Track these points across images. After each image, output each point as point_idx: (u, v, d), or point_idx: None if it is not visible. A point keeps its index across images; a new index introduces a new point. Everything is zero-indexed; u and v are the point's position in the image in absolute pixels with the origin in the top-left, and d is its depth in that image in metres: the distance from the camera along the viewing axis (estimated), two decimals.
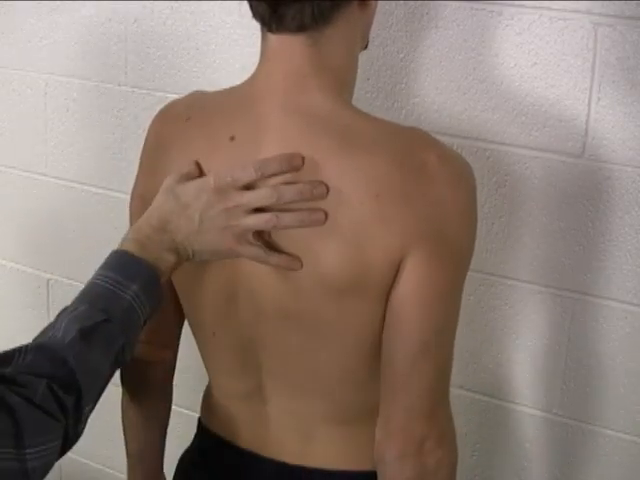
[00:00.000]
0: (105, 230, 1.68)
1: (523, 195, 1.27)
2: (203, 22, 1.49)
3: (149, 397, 1.14)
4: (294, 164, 0.87)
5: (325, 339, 0.93)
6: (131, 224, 1.00)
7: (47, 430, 0.78)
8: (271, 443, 1.02)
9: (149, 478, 1.17)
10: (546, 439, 1.35)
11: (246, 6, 0.93)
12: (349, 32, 0.92)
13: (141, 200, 1.00)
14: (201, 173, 0.92)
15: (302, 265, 0.89)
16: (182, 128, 0.97)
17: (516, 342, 1.33)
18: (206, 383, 1.14)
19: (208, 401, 1.12)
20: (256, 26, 0.93)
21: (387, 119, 0.94)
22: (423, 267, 0.86)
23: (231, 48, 1.47)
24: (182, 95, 1.05)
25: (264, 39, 0.93)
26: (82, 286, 0.88)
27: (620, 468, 1.30)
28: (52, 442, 0.79)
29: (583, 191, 1.23)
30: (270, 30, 0.91)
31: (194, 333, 1.07)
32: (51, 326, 0.85)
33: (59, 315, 0.86)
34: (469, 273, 0.93)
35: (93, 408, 0.85)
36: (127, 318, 0.86)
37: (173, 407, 1.18)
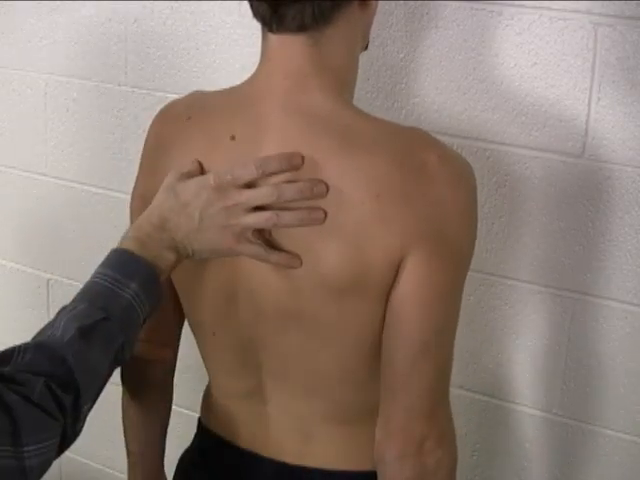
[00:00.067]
0: (105, 230, 1.68)
1: (523, 195, 1.27)
2: (203, 22, 1.49)
3: (149, 396, 1.14)
4: (294, 163, 0.87)
5: (325, 339, 0.93)
6: (131, 224, 1.00)
7: (45, 428, 0.78)
8: (271, 443, 1.03)
9: (149, 477, 1.17)
10: (546, 439, 1.35)
11: (246, 6, 0.93)
12: (350, 32, 0.93)
13: (141, 200, 1.00)
14: (202, 172, 0.92)
15: (302, 263, 0.89)
16: (182, 128, 0.97)
17: (516, 342, 1.33)
18: (206, 383, 1.14)
19: (208, 401, 1.12)
20: (256, 26, 0.94)
21: (387, 119, 0.94)
22: (423, 267, 0.86)
23: (231, 48, 1.47)
24: (182, 95, 1.05)
25: (264, 39, 0.93)
26: (82, 286, 0.88)
27: (620, 468, 1.30)
28: (50, 440, 0.79)
29: (583, 191, 1.23)
30: (271, 30, 0.91)
31: (194, 333, 1.07)
32: (50, 325, 0.85)
33: (58, 314, 0.86)
34: (469, 273, 0.93)
35: (92, 407, 0.85)
36: (126, 316, 0.86)
37: (173, 407, 1.18)
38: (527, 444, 1.36)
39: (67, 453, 0.85)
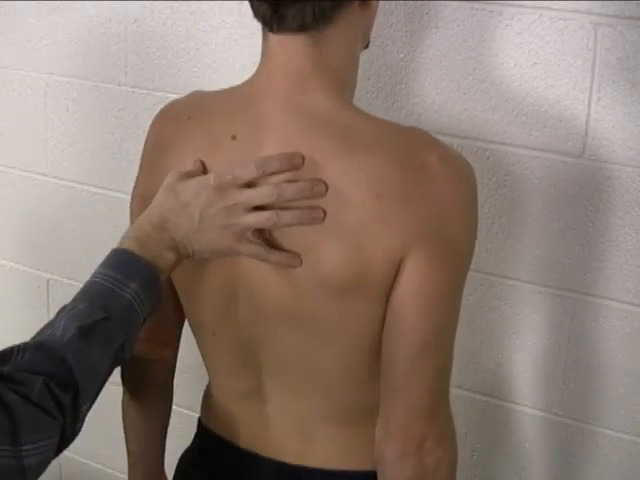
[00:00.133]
0: (105, 230, 1.68)
1: (523, 195, 1.27)
2: (203, 22, 1.49)
3: (149, 396, 1.14)
4: (294, 163, 0.87)
5: (325, 339, 0.93)
6: (131, 224, 1.00)
7: (44, 427, 0.78)
8: (271, 443, 1.03)
9: (150, 477, 1.17)
10: (546, 439, 1.35)
11: (246, 6, 0.93)
12: (350, 32, 0.93)
13: (142, 200, 1.00)
14: (205, 171, 0.92)
15: (302, 262, 0.89)
16: (183, 127, 0.97)
17: (516, 342, 1.33)
18: (206, 383, 1.14)
19: (208, 401, 1.12)
20: (256, 26, 0.94)
21: (387, 119, 0.94)
22: (423, 267, 0.86)
23: (231, 48, 1.48)
24: (182, 95, 1.05)
25: (265, 39, 0.93)
26: (82, 286, 0.88)
27: (620, 468, 1.30)
28: (49, 439, 0.79)
29: (583, 191, 1.23)
30: (271, 30, 0.91)
31: (194, 332, 1.07)
32: (50, 324, 0.85)
33: (58, 313, 0.86)
34: (469, 273, 0.93)
35: (91, 406, 0.85)
36: (126, 316, 0.86)
37: (173, 407, 1.18)
38: (527, 444, 1.36)
39: (67, 453, 0.85)
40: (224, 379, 1.07)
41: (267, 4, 0.88)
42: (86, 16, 1.61)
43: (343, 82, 0.93)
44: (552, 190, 1.25)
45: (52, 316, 0.86)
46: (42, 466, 0.79)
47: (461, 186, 0.89)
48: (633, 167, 1.19)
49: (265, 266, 0.91)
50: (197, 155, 0.93)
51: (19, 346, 0.81)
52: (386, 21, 1.30)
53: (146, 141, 1.04)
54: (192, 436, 1.15)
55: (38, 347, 0.82)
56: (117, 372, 0.92)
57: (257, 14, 0.91)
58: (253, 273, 0.93)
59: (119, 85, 1.62)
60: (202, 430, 1.13)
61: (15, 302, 1.91)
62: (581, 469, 1.33)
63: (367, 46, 1.01)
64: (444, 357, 0.92)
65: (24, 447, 0.76)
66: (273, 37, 0.91)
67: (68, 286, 1.78)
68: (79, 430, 0.84)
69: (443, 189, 0.87)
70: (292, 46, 0.90)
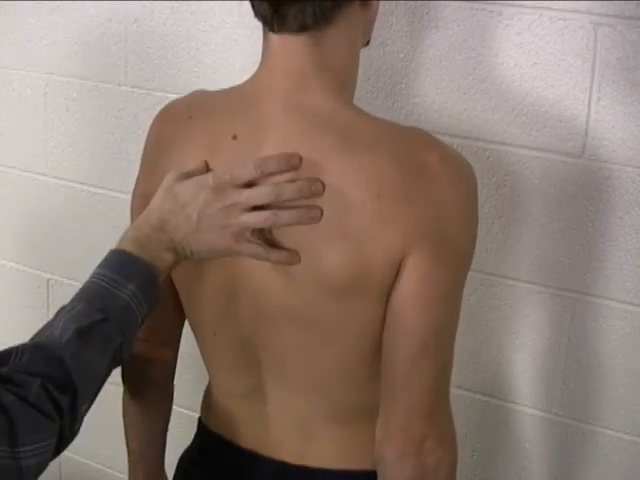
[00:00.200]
0: (105, 230, 1.68)
1: (523, 195, 1.27)
2: (203, 22, 1.49)
3: (149, 395, 1.14)
4: (292, 163, 0.87)
5: (325, 338, 0.94)
6: (131, 224, 1.00)
7: (41, 429, 0.78)
8: (271, 442, 1.03)
9: (150, 476, 1.17)
10: (546, 439, 1.35)
11: (246, 6, 0.93)
12: (350, 32, 0.93)
13: (142, 199, 0.99)
14: (207, 171, 0.92)
15: (300, 259, 0.89)
16: (183, 127, 0.97)
17: (516, 342, 1.33)
18: (206, 383, 1.14)
19: (208, 400, 1.12)
20: (256, 26, 0.94)
21: (387, 119, 0.94)
22: (424, 267, 0.86)
23: (231, 48, 1.48)
24: (182, 95, 1.05)
25: (266, 39, 0.93)
26: (80, 286, 0.88)
27: (620, 468, 1.30)
28: (47, 441, 0.79)
29: (583, 191, 1.23)
30: (272, 30, 0.91)
31: (194, 332, 1.07)
32: (49, 325, 0.85)
33: (57, 314, 0.86)
34: (469, 273, 0.93)
35: (89, 407, 0.85)
36: (124, 317, 0.86)
37: (173, 407, 1.18)
38: (527, 444, 1.36)
39: (67, 453, 0.85)
40: (224, 378, 1.07)
41: (268, 4, 0.88)
42: (86, 16, 1.61)
43: (343, 82, 0.94)
44: (552, 190, 1.25)
45: (52, 316, 0.86)
46: (40, 467, 0.79)
47: (461, 186, 0.89)
48: (633, 167, 1.19)
49: (265, 266, 0.91)
50: (197, 155, 0.93)
51: (17, 347, 0.82)
52: (386, 21, 1.30)
53: (146, 141, 1.04)
54: (192, 436, 1.15)
55: (36, 348, 0.82)
56: (116, 372, 0.92)
57: (258, 14, 0.91)
58: (253, 273, 0.93)
59: (119, 85, 1.62)
60: (202, 430, 1.13)
61: (15, 302, 1.91)
62: (581, 469, 1.33)
63: (367, 44, 1.01)
64: (444, 357, 0.92)
65: (22, 448, 0.76)
66: (274, 37, 0.91)
67: (68, 286, 1.78)
68: (77, 431, 0.84)
69: (443, 189, 0.87)
70: (293, 46, 0.90)
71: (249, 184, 0.88)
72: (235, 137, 0.92)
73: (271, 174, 0.88)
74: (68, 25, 1.64)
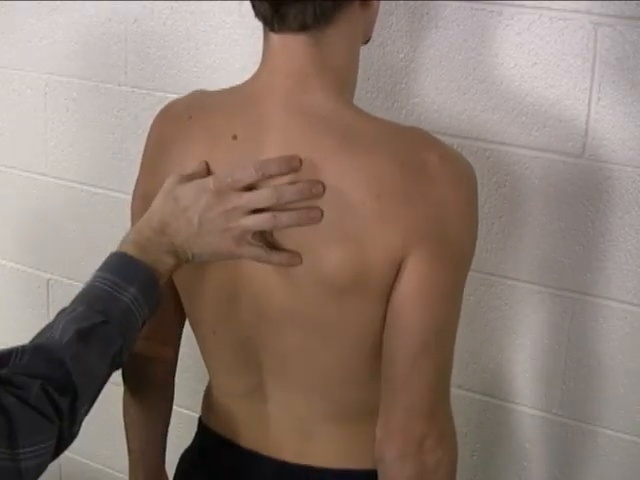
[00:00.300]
0: (105, 230, 1.68)
1: (523, 195, 1.27)
2: (203, 22, 1.49)
3: (150, 394, 1.14)
4: (293, 165, 0.87)
5: (326, 338, 0.94)
6: (132, 224, 1.00)
7: (41, 430, 0.78)
8: (271, 442, 1.03)
9: (150, 475, 1.17)
10: (546, 439, 1.35)
11: (246, 6, 0.93)
12: (351, 32, 0.93)
13: (142, 200, 1.00)
14: (208, 173, 0.92)
15: (302, 261, 0.89)
16: (184, 127, 0.97)
17: (516, 342, 1.33)
18: (206, 383, 1.14)
19: (208, 400, 1.12)
20: (256, 26, 0.94)
21: (387, 119, 0.94)
22: (424, 267, 0.87)
23: (231, 48, 1.48)
24: (182, 95, 1.05)
25: (266, 38, 0.93)
26: (82, 286, 0.88)
27: (620, 468, 1.30)
28: (46, 442, 0.79)
29: (583, 191, 1.23)
30: (272, 30, 0.91)
31: (194, 332, 1.07)
32: (49, 327, 0.85)
33: (57, 316, 0.86)
34: (469, 273, 0.93)
35: (89, 409, 0.85)
36: (125, 320, 0.86)
37: (173, 407, 1.18)
38: (527, 444, 1.36)
39: (67, 453, 0.85)
40: (224, 378, 1.07)
41: (268, 3, 0.88)
42: (86, 16, 1.61)
43: (344, 82, 0.94)
44: (552, 190, 1.25)
45: (52, 316, 0.86)
46: (40, 469, 0.79)
47: (462, 186, 0.89)
48: (633, 167, 1.19)
49: (266, 267, 0.91)
50: (198, 155, 0.93)
51: (18, 348, 0.81)
52: (386, 21, 1.30)
53: (147, 141, 1.04)
54: (192, 436, 1.15)
55: (36, 350, 0.82)
56: (117, 372, 0.92)
57: (258, 14, 0.91)
58: (254, 273, 0.93)
59: (119, 85, 1.62)
60: (202, 429, 1.13)
61: (15, 302, 1.91)
62: (581, 469, 1.33)
63: (367, 42, 1.00)
64: (444, 357, 0.92)
65: (21, 450, 0.76)
66: (274, 37, 0.91)
67: (68, 286, 1.78)
68: (77, 433, 0.84)
69: (443, 189, 0.87)
70: (293, 46, 0.90)
71: (249, 187, 0.88)
72: (235, 137, 0.92)
73: (272, 176, 0.88)
74: (68, 25, 1.64)
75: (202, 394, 1.15)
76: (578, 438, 1.32)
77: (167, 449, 1.18)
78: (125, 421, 1.15)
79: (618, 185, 1.20)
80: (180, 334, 1.14)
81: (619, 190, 1.21)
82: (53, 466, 0.82)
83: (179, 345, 1.15)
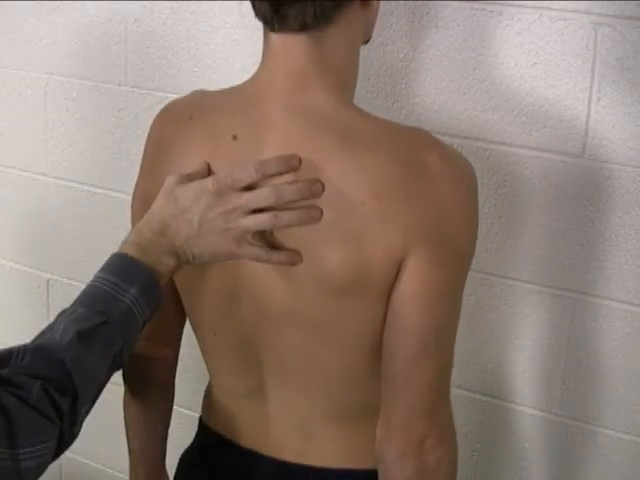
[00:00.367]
0: (105, 230, 1.68)
1: (523, 195, 1.27)
2: (203, 22, 1.49)
3: (150, 394, 1.14)
4: (292, 165, 0.87)
5: (326, 338, 0.94)
6: (133, 225, 1.00)
7: (41, 431, 0.78)
8: (272, 442, 1.03)
9: (151, 475, 1.17)
10: (546, 439, 1.35)
11: (246, 6, 0.93)
12: (351, 32, 0.93)
13: (143, 200, 1.00)
14: (210, 173, 0.92)
15: (302, 259, 0.89)
16: (184, 127, 0.97)
17: (516, 342, 1.33)
18: (206, 384, 1.14)
19: (209, 400, 1.12)
20: (256, 26, 0.94)
21: (388, 119, 0.94)
22: (424, 267, 0.87)
23: (231, 48, 1.48)
24: (182, 95, 1.05)
25: (266, 38, 0.93)
26: (82, 286, 0.89)
27: (620, 468, 1.30)
28: (46, 443, 0.79)
29: (583, 191, 1.23)
30: (272, 29, 0.91)
31: (195, 332, 1.07)
32: (50, 327, 0.85)
33: (58, 317, 0.86)
34: (469, 273, 0.93)
35: (90, 410, 0.85)
36: (126, 321, 0.86)
37: (173, 407, 1.18)
38: (527, 444, 1.36)
39: (67, 453, 0.85)
40: (225, 378, 1.07)
41: (268, 3, 0.88)
42: (86, 16, 1.61)
43: (344, 82, 0.94)
44: (552, 190, 1.25)
45: (52, 316, 0.86)
46: (40, 469, 0.79)
47: (462, 186, 0.89)
48: (633, 167, 1.19)
49: (266, 266, 0.91)
50: (198, 155, 0.93)
51: (18, 348, 0.82)
52: (386, 21, 1.30)
53: (147, 141, 1.04)
54: (192, 436, 1.15)
55: (37, 350, 0.82)
56: (117, 372, 0.92)
57: (258, 14, 0.91)
58: (254, 273, 0.93)
59: (119, 85, 1.62)
60: (203, 429, 1.13)
61: (15, 302, 1.91)
62: (581, 469, 1.33)
63: (367, 42, 1.00)
64: (444, 357, 0.92)
65: (22, 450, 0.76)
66: (274, 37, 0.91)
67: (68, 286, 1.78)
68: (77, 434, 0.84)
69: (444, 189, 0.87)
70: (293, 46, 0.90)
71: (249, 187, 0.88)
72: (235, 137, 0.92)
73: (271, 176, 0.88)
74: (68, 25, 1.64)
75: (202, 394, 1.15)
76: (578, 438, 1.32)
77: (168, 449, 1.18)
78: (125, 421, 1.15)
79: (618, 185, 1.20)
80: (181, 334, 1.14)
81: (619, 190, 1.21)
82: (53, 466, 0.82)
83: (179, 345, 1.15)
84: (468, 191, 0.90)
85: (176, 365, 1.16)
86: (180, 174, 0.91)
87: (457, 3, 1.25)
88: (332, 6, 0.88)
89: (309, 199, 0.87)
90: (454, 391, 0.96)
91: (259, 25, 0.93)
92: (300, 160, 0.87)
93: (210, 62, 1.51)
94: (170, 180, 0.91)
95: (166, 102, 1.06)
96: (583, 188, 1.23)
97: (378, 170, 0.86)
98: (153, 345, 1.08)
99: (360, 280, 0.88)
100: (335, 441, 1.01)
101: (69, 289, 1.76)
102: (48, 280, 1.83)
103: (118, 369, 0.89)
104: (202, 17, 1.49)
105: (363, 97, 1.31)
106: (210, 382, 1.12)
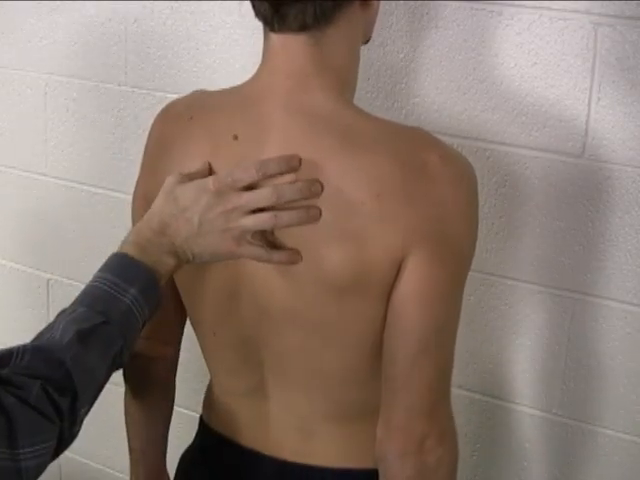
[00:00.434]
0: (105, 230, 1.68)
1: (523, 195, 1.27)
2: (203, 22, 1.49)
3: (151, 394, 1.14)
4: (292, 165, 0.87)
5: (326, 338, 0.94)
6: (133, 224, 1.00)
7: (41, 431, 0.78)
8: (272, 441, 1.03)
9: (151, 475, 1.17)
10: (546, 439, 1.35)
11: (246, 6, 0.93)
12: (351, 32, 0.93)
13: (143, 200, 1.00)
14: (211, 174, 0.92)
15: (302, 258, 0.89)
16: (184, 127, 0.97)
17: (516, 342, 1.33)
18: (207, 383, 1.14)
19: (209, 399, 1.12)
20: (256, 26, 0.94)
21: (388, 119, 0.94)
22: (424, 267, 0.87)
23: (231, 48, 1.48)
24: (182, 95, 1.05)
25: (266, 38, 0.93)
26: (82, 286, 0.89)
27: (620, 468, 1.30)
28: (46, 443, 0.79)
29: (583, 191, 1.23)
30: (272, 30, 0.91)
31: (195, 331, 1.07)
32: (49, 327, 0.85)
33: (58, 317, 0.86)
34: (469, 273, 0.93)
35: (89, 410, 0.85)
36: (125, 321, 0.86)
37: (174, 407, 1.18)
38: (527, 444, 1.36)
39: (67, 453, 0.85)
40: (225, 377, 1.07)
41: (268, 3, 0.88)
42: (86, 16, 1.61)
43: (344, 82, 0.94)
44: (552, 190, 1.25)
45: (52, 316, 0.86)
46: (39, 469, 0.79)
47: (462, 186, 0.89)
48: (633, 167, 1.19)
49: (267, 266, 0.91)
50: (198, 155, 0.93)
51: (18, 348, 0.82)
52: (386, 21, 1.30)
53: (147, 141, 1.04)
54: (193, 436, 1.15)
55: (37, 350, 0.82)
56: (117, 372, 0.92)
57: (258, 14, 0.91)
58: (255, 272, 0.93)
59: (119, 85, 1.62)
60: (203, 428, 1.13)
61: (15, 302, 1.91)
62: (581, 469, 1.33)
63: (367, 42, 1.00)
64: (445, 356, 0.92)
65: (21, 450, 0.76)
66: (274, 37, 0.91)
67: (68, 286, 1.78)
68: (77, 434, 0.84)
69: (444, 189, 0.87)
70: (293, 46, 0.90)
71: (249, 187, 0.88)
72: (236, 137, 0.92)
73: (271, 176, 0.88)
74: (68, 25, 1.64)
75: (202, 394, 1.15)
76: (578, 438, 1.32)
77: (168, 448, 1.18)
78: (126, 420, 1.15)
79: (618, 185, 1.20)
80: (181, 334, 1.14)
81: (619, 190, 1.21)
82: (53, 466, 0.82)
83: (180, 345, 1.15)
84: (468, 191, 0.90)
85: (177, 364, 1.16)
86: (180, 173, 0.91)
87: (457, 3, 1.25)
88: (332, 6, 0.88)
89: (309, 199, 0.87)
90: (454, 391, 0.96)
91: (259, 25, 0.93)
92: (300, 160, 0.87)
93: (210, 62, 1.51)
94: (170, 180, 0.91)
95: (166, 102, 1.06)
96: (583, 188, 1.23)
97: (378, 170, 0.86)
98: (153, 344, 1.08)
99: (360, 280, 0.88)
100: (335, 441, 1.01)
101: (69, 289, 1.76)
102: (48, 280, 1.83)
103: (118, 369, 0.89)
104: (202, 17, 1.49)
105: (363, 97, 1.31)
106: (210, 381, 1.12)
